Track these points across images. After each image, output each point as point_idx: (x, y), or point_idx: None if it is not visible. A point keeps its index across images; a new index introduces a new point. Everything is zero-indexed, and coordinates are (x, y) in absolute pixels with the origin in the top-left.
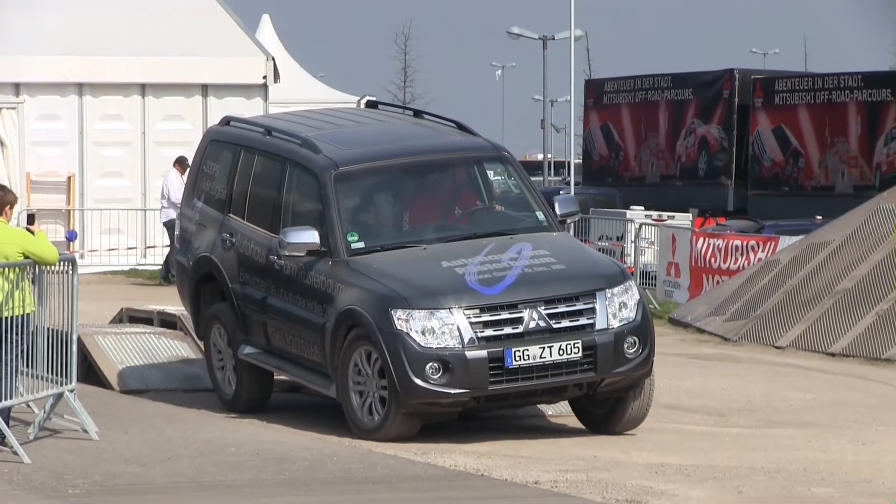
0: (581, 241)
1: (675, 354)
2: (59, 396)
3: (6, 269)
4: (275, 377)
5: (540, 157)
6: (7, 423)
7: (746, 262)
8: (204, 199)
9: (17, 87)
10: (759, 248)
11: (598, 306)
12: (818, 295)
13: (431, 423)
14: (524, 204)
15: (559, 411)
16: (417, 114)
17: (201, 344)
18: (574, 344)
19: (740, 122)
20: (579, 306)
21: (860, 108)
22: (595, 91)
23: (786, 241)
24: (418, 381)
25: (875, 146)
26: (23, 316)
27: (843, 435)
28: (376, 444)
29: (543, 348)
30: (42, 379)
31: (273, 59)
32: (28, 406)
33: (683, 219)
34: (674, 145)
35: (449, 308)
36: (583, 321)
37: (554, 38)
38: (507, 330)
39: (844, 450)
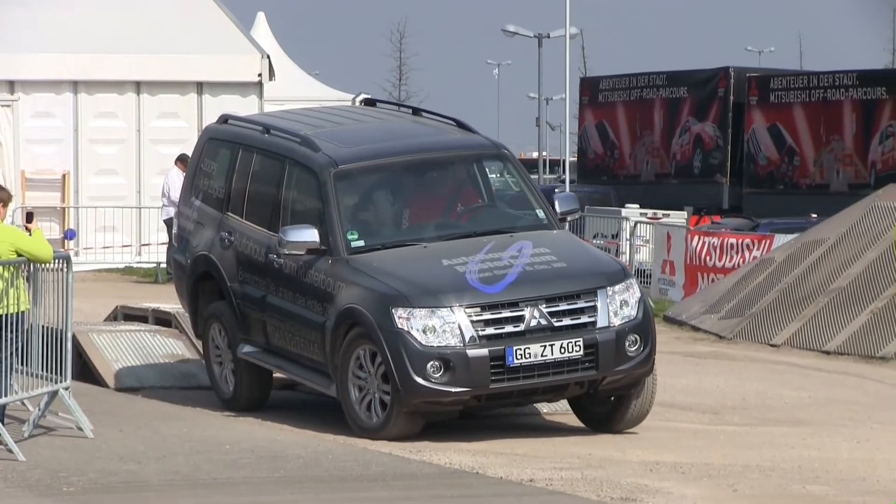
0: None
1: (669, 352)
2: (54, 394)
3: (0, 267)
4: (273, 376)
5: (535, 155)
6: (2, 421)
7: (741, 260)
8: (202, 197)
9: (11, 85)
10: (753, 246)
11: (599, 304)
12: (813, 293)
13: (427, 422)
14: (524, 202)
15: (554, 409)
16: (416, 112)
17: (197, 342)
18: (575, 342)
19: (735, 121)
20: (580, 304)
21: (855, 107)
22: (590, 89)
23: (781, 240)
24: (419, 380)
25: (870, 144)
26: (17, 314)
27: (838, 433)
28: (371, 441)
29: (545, 346)
30: (37, 377)
31: (268, 56)
32: (23, 404)
33: (678, 217)
34: (669, 143)
35: (450, 306)
36: (584, 319)
37: (549, 36)
38: (509, 328)
39: (839, 448)
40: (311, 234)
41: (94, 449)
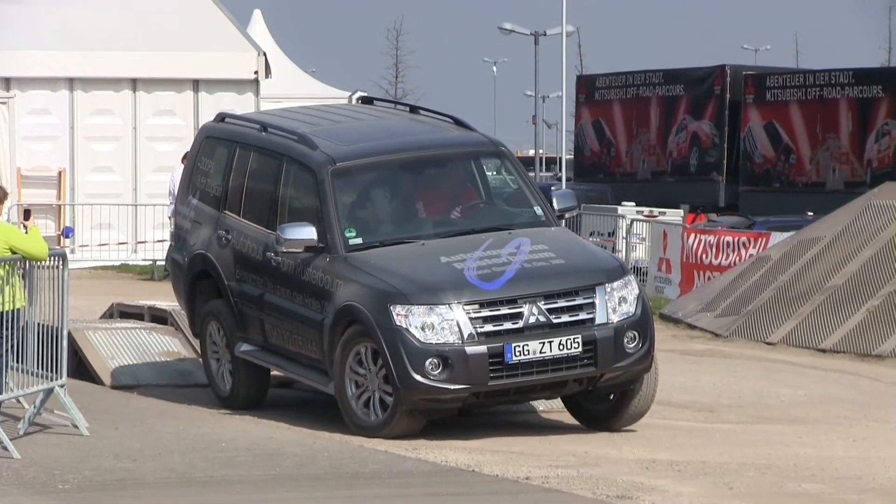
0: None
1: (666, 350)
2: (50, 392)
3: None
4: (271, 373)
5: (531, 153)
6: None
7: (737, 258)
8: (199, 196)
9: (7, 82)
10: (750, 244)
11: (597, 301)
12: (809, 291)
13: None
14: (522, 199)
15: (550, 407)
16: (413, 109)
17: (194, 340)
18: (574, 339)
19: (731, 119)
20: (579, 301)
21: (851, 105)
22: (586, 87)
23: (777, 238)
24: (418, 377)
25: (866, 143)
26: (13, 311)
27: (834, 431)
28: (367, 440)
29: (543, 343)
30: (32, 374)
31: (264, 54)
32: (18, 401)
33: (675, 215)
34: (665, 141)
35: (448, 303)
36: (582, 316)
37: (545, 34)
38: (507, 325)
39: (835, 446)
40: (309, 232)
41: (89, 447)
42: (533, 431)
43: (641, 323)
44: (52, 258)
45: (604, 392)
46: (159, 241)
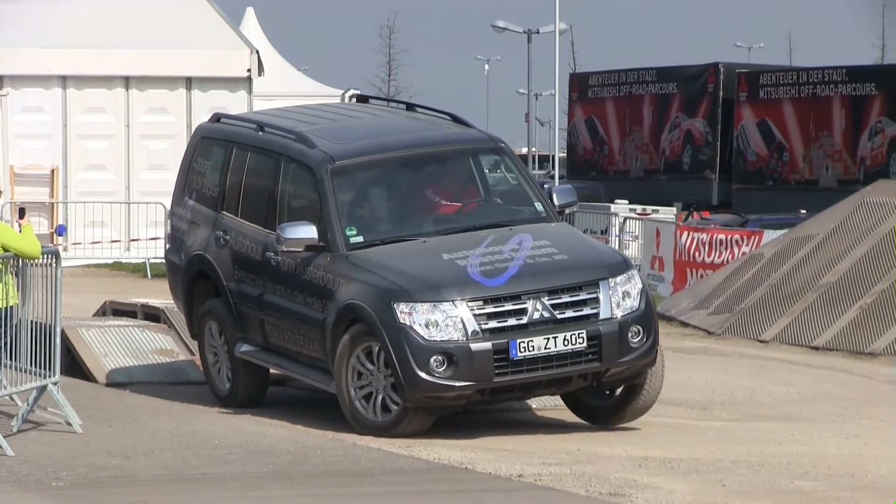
0: None
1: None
2: (43, 389)
3: None
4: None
5: (524, 151)
6: None
7: (730, 256)
8: (195, 197)
9: (0, 80)
10: (743, 241)
11: (601, 296)
12: (802, 289)
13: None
14: (522, 195)
15: (544, 405)
16: (410, 107)
17: (187, 337)
18: (578, 334)
19: (725, 116)
20: (583, 296)
21: (844, 103)
22: (579, 85)
23: (770, 235)
24: (423, 375)
25: (859, 140)
26: (6, 308)
27: (827, 428)
28: (360, 437)
29: (548, 339)
30: (25, 372)
31: (257, 51)
32: (11, 399)
33: (668, 213)
34: (658, 139)
35: (452, 300)
36: (587, 311)
37: (538, 32)
38: (511, 321)
39: (828, 443)
40: (309, 231)
41: (82, 444)
42: (526, 429)
43: (645, 317)
44: (45, 256)
45: (608, 387)
46: (152, 238)
